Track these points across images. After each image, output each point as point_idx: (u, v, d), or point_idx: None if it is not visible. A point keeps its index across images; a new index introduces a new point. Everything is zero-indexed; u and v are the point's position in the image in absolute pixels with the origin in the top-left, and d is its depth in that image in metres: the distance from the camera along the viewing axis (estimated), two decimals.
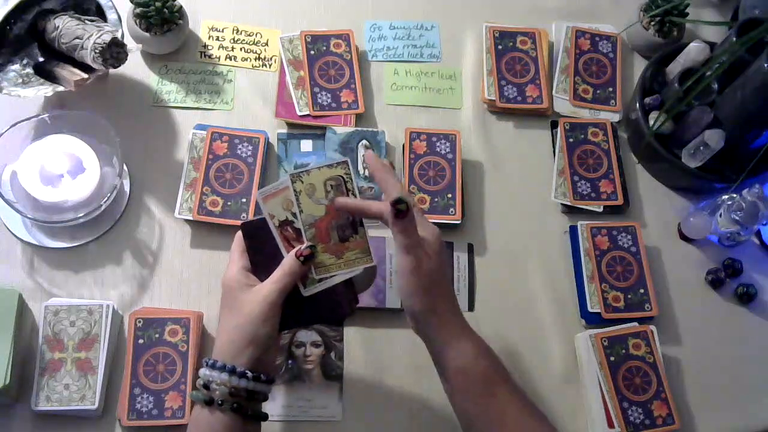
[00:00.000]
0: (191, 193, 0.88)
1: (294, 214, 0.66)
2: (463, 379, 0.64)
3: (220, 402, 0.62)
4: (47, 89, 0.84)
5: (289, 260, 0.65)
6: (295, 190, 0.65)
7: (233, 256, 0.68)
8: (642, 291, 0.90)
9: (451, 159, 0.95)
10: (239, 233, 0.68)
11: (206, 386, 0.63)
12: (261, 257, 0.67)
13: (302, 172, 0.65)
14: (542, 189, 0.97)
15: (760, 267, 0.97)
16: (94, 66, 0.85)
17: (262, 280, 0.66)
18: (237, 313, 0.65)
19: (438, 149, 0.95)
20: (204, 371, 0.64)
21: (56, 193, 0.82)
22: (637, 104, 0.99)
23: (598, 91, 1.04)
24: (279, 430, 0.81)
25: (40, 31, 0.88)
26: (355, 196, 0.66)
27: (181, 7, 0.96)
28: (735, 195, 0.93)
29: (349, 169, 0.66)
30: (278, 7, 1.04)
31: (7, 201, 0.81)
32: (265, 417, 0.67)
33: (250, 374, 0.63)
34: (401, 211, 0.62)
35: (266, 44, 1.01)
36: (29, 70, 0.87)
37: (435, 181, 0.93)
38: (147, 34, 0.94)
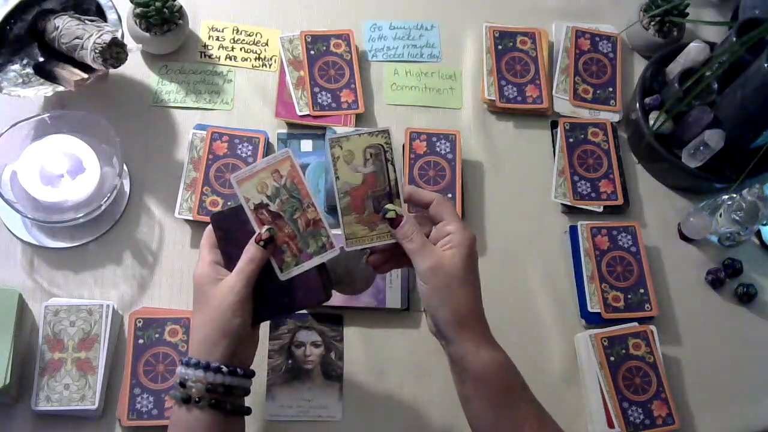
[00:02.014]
0: (191, 193, 0.88)
1: (269, 197, 0.65)
2: (484, 387, 0.63)
3: (197, 399, 0.62)
4: (47, 89, 0.84)
5: (250, 247, 0.65)
6: (333, 156, 0.64)
7: (203, 252, 0.67)
8: (642, 291, 0.90)
9: (451, 159, 0.95)
10: (209, 227, 0.67)
11: (182, 384, 0.62)
12: (233, 248, 0.66)
13: (342, 137, 0.64)
14: (542, 189, 0.97)
15: (760, 267, 0.97)
16: (94, 66, 0.85)
17: None
18: (207, 308, 0.64)
19: (438, 149, 0.95)
20: (179, 369, 0.63)
21: (56, 193, 0.82)
22: (637, 104, 0.99)
23: (598, 91, 1.04)
24: (279, 430, 0.81)
25: (40, 31, 0.88)
26: (394, 167, 0.65)
27: (181, 7, 0.96)
28: (735, 195, 0.93)
29: (389, 138, 0.65)
30: (278, 7, 1.04)
31: (7, 201, 0.81)
32: (247, 411, 0.66)
33: (225, 369, 0.62)
34: (391, 219, 0.64)
35: (266, 44, 1.01)
36: (29, 70, 0.87)
37: (435, 181, 0.93)
38: (147, 34, 0.94)
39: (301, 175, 0.66)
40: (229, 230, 0.67)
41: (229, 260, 0.66)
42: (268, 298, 0.66)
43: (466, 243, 0.64)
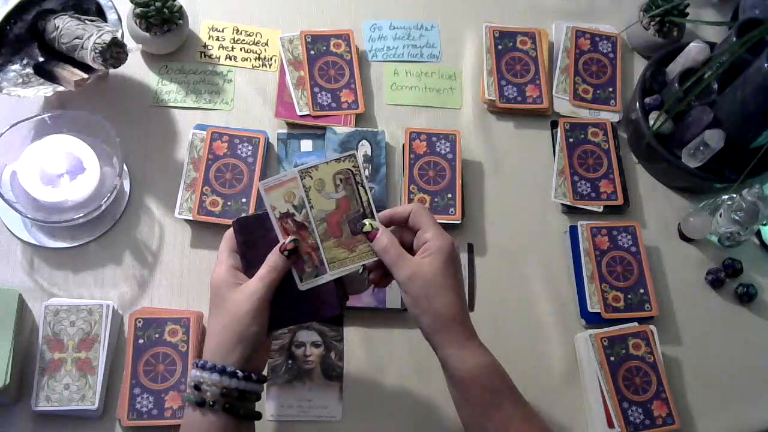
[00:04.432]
0: (191, 193, 0.88)
1: (295, 207, 0.66)
2: (468, 389, 0.64)
3: (211, 403, 0.62)
4: (47, 89, 0.84)
5: (273, 255, 0.65)
6: (304, 186, 0.65)
7: (221, 256, 0.67)
8: (642, 291, 0.90)
9: (451, 159, 0.95)
10: (229, 231, 0.68)
11: (197, 387, 0.63)
12: (254, 253, 0.66)
13: (311, 167, 0.65)
14: (542, 189, 0.97)
15: (760, 267, 0.97)
16: (94, 66, 0.85)
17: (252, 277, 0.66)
18: (225, 312, 0.64)
19: (438, 149, 0.95)
20: (194, 372, 0.63)
21: (56, 193, 0.82)
22: (637, 104, 0.99)
23: (598, 91, 1.04)
24: (279, 430, 0.81)
25: (40, 31, 0.88)
26: (365, 189, 0.67)
27: (181, 7, 0.96)
28: (735, 195, 0.93)
29: (357, 161, 0.66)
30: (278, 7, 1.04)
31: (7, 201, 0.81)
32: (258, 416, 0.66)
33: (240, 374, 0.63)
34: (367, 232, 0.66)
35: (266, 44, 1.01)
36: (29, 70, 0.87)
37: (435, 181, 0.93)
38: (147, 34, 0.94)
39: None
40: (251, 236, 0.67)
41: (248, 266, 0.66)
42: (285, 306, 0.66)
43: (444, 249, 0.64)
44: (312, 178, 0.66)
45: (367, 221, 0.66)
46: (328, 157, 0.66)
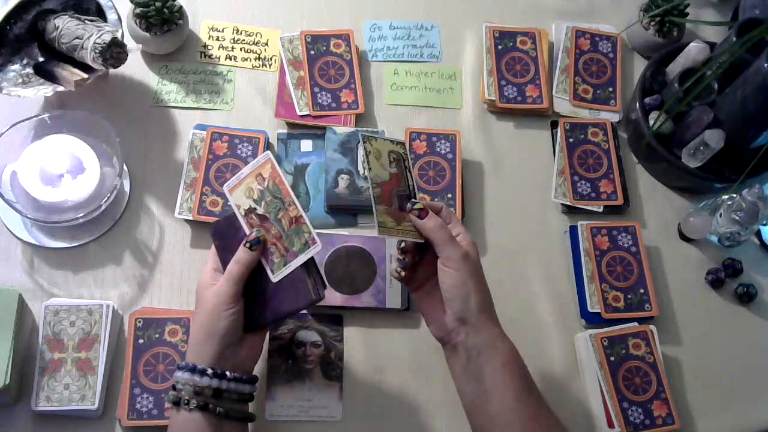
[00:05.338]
0: (191, 193, 0.88)
1: (256, 201, 0.67)
2: (508, 372, 0.65)
3: (186, 401, 0.62)
4: (47, 89, 0.84)
5: (239, 250, 0.67)
6: (365, 150, 0.67)
7: (207, 261, 0.70)
8: (642, 291, 0.90)
9: (451, 159, 0.95)
10: None
11: (174, 387, 0.64)
12: (228, 255, 0.68)
13: (372, 136, 0.69)
14: (542, 189, 0.97)
15: (760, 267, 0.97)
16: (94, 66, 0.85)
17: None
18: (201, 312, 0.66)
19: (438, 149, 0.95)
20: (174, 373, 0.65)
21: (56, 193, 0.82)
22: (637, 104, 0.99)
23: (598, 91, 1.04)
24: (279, 430, 0.81)
25: (40, 31, 0.88)
26: (411, 175, 0.70)
27: (181, 7, 0.96)
28: (735, 195, 0.93)
29: (406, 150, 0.71)
30: (278, 7, 1.04)
31: (7, 201, 0.81)
32: (247, 417, 0.66)
33: (210, 371, 0.63)
34: (420, 209, 0.66)
35: (266, 44, 1.01)
36: (29, 70, 0.87)
37: (435, 181, 0.93)
38: (147, 34, 0.94)
39: (281, 175, 0.68)
40: (224, 238, 0.69)
41: (225, 266, 0.67)
42: (261, 303, 0.67)
43: (474, 244, 0.68)
44: (372, 145, 0.68)
45: (417, 201, 0.68)
46: (385, 137, 0.70)
